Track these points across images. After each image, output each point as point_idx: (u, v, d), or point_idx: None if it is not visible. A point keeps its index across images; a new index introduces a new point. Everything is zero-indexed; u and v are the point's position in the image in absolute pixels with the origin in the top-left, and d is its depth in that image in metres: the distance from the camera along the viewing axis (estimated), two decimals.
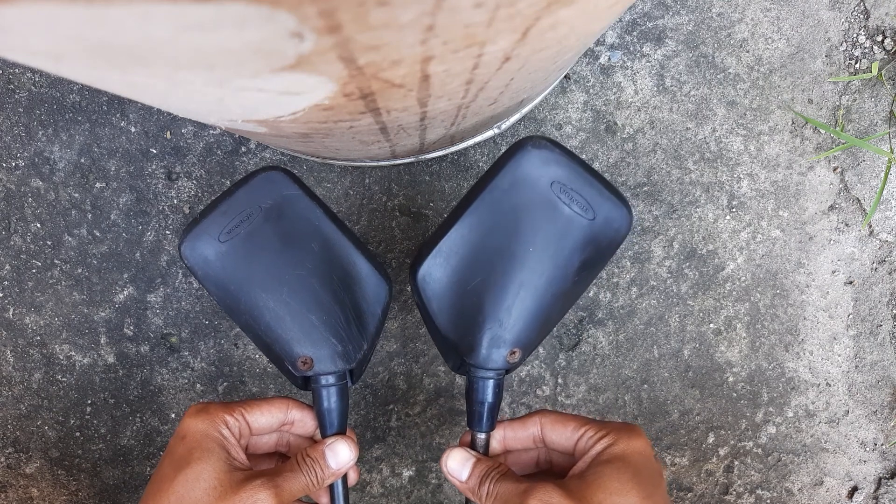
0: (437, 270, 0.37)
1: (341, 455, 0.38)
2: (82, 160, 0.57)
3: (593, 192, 0.38)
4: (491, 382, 0.38)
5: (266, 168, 0.39)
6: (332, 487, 0.40)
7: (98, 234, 0.58)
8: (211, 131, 0.57)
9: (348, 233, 0.40)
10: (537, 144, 0.38)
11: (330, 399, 0.38)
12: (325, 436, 0.39)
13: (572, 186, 0.38)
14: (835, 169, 0.60)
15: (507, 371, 0.39)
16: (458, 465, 0.38)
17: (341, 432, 0.39)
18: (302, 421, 0.40)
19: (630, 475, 0.33)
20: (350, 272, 0.39)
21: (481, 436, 0.39)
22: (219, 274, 0.38)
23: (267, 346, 0.39)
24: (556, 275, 0.38)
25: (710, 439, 0.63)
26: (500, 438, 0.40)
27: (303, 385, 0.40)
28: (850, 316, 0.62)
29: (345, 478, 0.40)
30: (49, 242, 0.58)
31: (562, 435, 0.38)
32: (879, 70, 0.59)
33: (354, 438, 0.40)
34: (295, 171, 0.58)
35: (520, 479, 0.35)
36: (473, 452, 0.39)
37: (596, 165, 0.59)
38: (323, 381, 0.38)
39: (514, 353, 0.38)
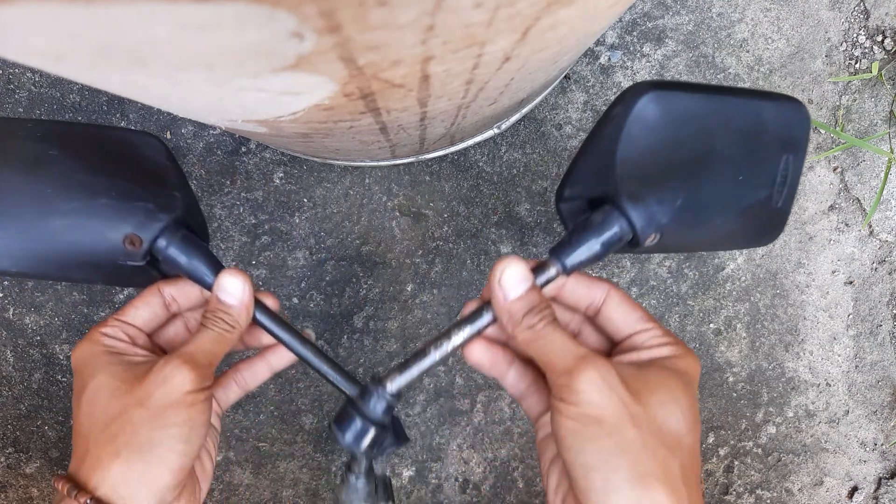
0: (657, 110, 0.32)
1: (231, 287, 0.34)
2: None
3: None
4: (618, 231, 0.32)
5: None
6: (261, 324, 0.36)
7: None
8: (211, 131, 0.57)
9: (76, 123, 0.37)
10: (803, 111, 0.36)
11: (183, 255, 0.34)
12: (209, 288, 0.35)
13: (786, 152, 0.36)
14: (835, 169, 0.60)
15: (630, 243, 0.34)
16: (515, 279, 0.32)
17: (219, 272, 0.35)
18: (180, 291, 0.37)
19: (687, 399, 0.30)
20: (109, 148, 0.35)
21: (554, 270, 0.33)
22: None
23: (92, 266, 0.35)
24: (727, 222, 0.35)
25: (710, 439, 0.63)
26: (559, 285, 0.35)
27: (159, 273, 0.37)
28: (850, 316, 0.62)
29: (264, 307, 0.36)
30: None
31: (627, 316, 0.34)
32: (879, 70, 0.59)
33: (237, 270, 0.36)
34: (295, 172, 0.58)
35: (574, 338, 0.31)
36: (533, 277, 0.33)
37: None
38: (163, 244, 0.34)
39: (654, 235, 0.33)
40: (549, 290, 0.34)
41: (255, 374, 0.39)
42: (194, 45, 0.18)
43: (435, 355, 0.33)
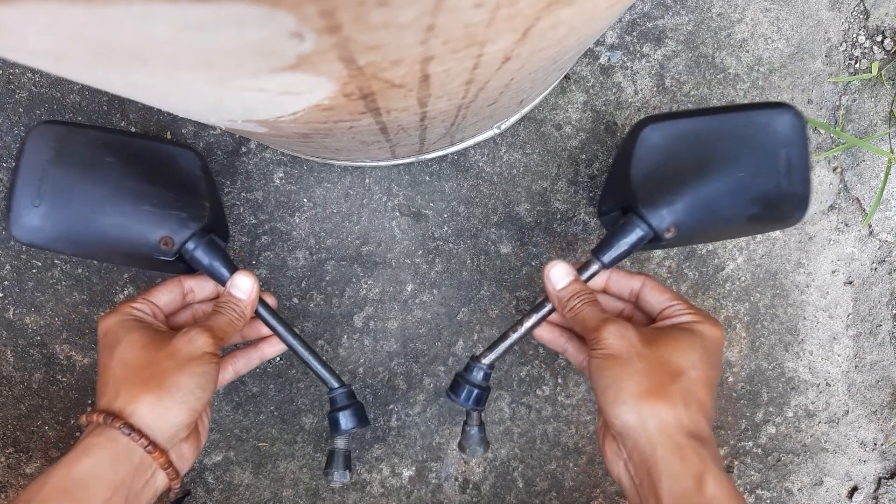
0: (658, 135, 0.41)
1: (242, 285, 0.43)
2: None
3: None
4: (640, 232, 0.42)
5: (31, 128, 0.43)
6: (262, 317, 0.46)
7: None
8: (211, 131, 0.57)
9: (130, 134, 0.44)
10: (791, 111, 0.44)
11: (206, 256, 0.43)
12: (223, 284, 0.44)
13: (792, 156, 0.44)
14: (835, 169, 0.60)
15: (654, 238, 0.42)
16: (560, 274, 0.43)
17: (234, 273, 0.44)
18: (199, 285, 0.46)
19: (700, 347, 0.39)
20: (154, 159, 0.43)
21: (595, 266, 0.43)
22: (55, 231, 0.42)
23: (131, 256, 0.43)
24: (740, 210, 0.43)
25: None
26: (605, 278, 0.46)
27: (186, 268, 0.45)
28: (850, 316, 0.62)
29: (265, 303, 0.46)
30: None
31: (657, 298, 0.44)
32: (879, 70, 0.59)
33: (248, 272, 0.45)
34: (295, 172, 0.58)
35: (604, 310, 0.42)
36: (574, 272, 0.44)
37: (596, 166, 0.59)
38: (191, 246, 0.42)
39: (670, 230, 0.42)
40: (597, 283, 0.46)
41: (248, 360, 0.48)
42: (194, 45, 0.18)
43: (514, 336, 0.45)
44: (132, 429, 0.37)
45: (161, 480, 0.40)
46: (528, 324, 0.45)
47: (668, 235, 0.42)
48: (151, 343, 0.40)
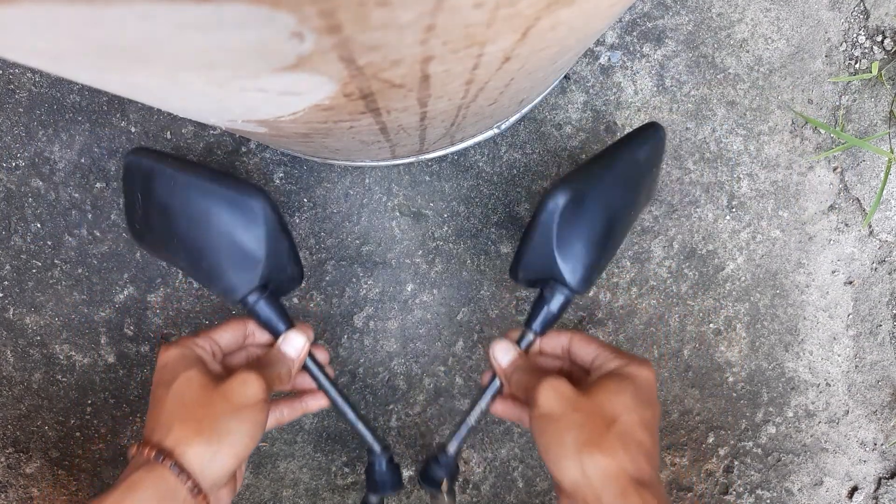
0: (568, 203, 0.43)
1: (294, 342, 0.45)
2: (82, 160, 0.57)
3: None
4: (564, 297, 0.45)
5: (127, 155, 0.45)
6: (311, 372, 0.46)
7: (98, 234, 0.58)
8: (211, 131, 0.57)
9: (205, 173, 0.43)
10: (658, 127, 0.47)
11: (263, 311, 0.44)
12: (277, 337, 0.46)
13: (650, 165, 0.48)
14: (835, 169, 0.60)
15: (575, 294, 0.46)
16: (503, 351, 0.45)
17: (289, 328, 0.46)
18: (260, 329, 0.47)
19: (631, 390, 0.40)
20: (220, 205, 0.43)
21: (530, 336, 0.46)
22: (152, 248, 0.46)
23: (206, 285, 0.46)
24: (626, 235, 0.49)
25: (710, 439, 0.63)
26: (537, 343, 0.48)
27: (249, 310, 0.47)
28: (850, 316, 0.62)
29: (315, 360, 0.46)
30: (49, 242, 0.58)
31: (585, 350, 0.45)
32: (879, 70, 0.59)
33: (305, 327, 0.46)
34: (295, 172, 0.58)
35: (542, 371, 0.43)
36: (516, 346, 0.46)
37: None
38: (250, 301, 0.44)
39: (590, 284, 0.45)
40: (534, 347, 0.47)
41: (293, 410, 0.48)
42: (194, 45, 0.18)
43: (472, 419, 0.47)
44: (181, 469, 0.37)
45: None
46: (482, 404, 0.47)
47: (589, 291, 0.44)
48: (208, 383, 0.40)
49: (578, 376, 0.46)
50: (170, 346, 0.43)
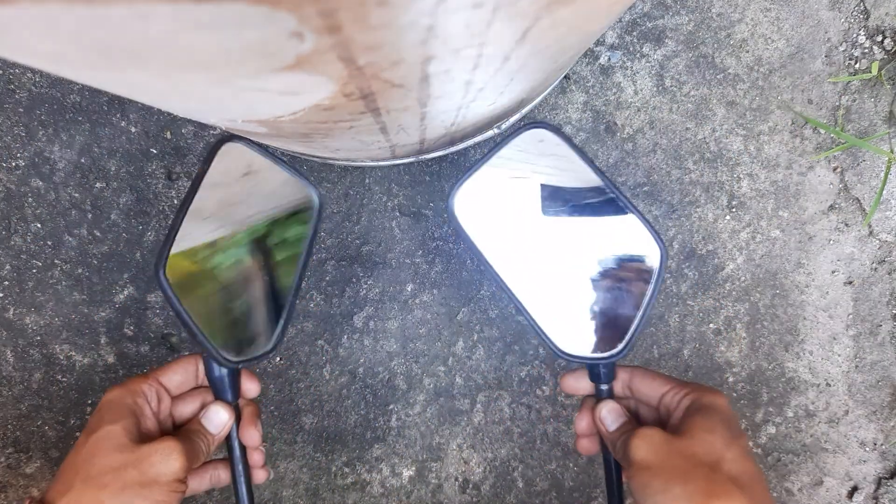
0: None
1: (215, 419, 0.42)
2: (82, 160, 0.57)
3: None
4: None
5: (218, 141, 0.42)
6: (230, 452, 0.43)
7: (98, 234, 0.58)
8: (211, 131, 0.57)
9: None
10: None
11: (216, 369, 0.42)
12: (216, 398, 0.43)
13: None
14: (835, 169, 0.60)
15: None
16: (612, 417, 0.44)
17: (224, 399, 0.42)
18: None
19: (719, 419, 0.39)
20: None
21: (605, 387, 0.45)
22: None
23: None
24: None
25: None
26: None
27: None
28: (850, 316, 0.62)
29: (244, 450, 0.43)
30: (49, 242, 0.58)
31: (650, 387, 0.44)
32: (879, 70, 0.59)
33: (248, 411, 0.43)
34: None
35: (634, 424, 0.42)
36: (625, 411, 0.44)
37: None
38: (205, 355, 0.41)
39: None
40: (587, 386, 0.46)
41: (226, 476, 0.45)
42: (194, 45, 0.18)
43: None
44: None
45: None
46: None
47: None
48: (127, 445, 0.37)
49: (646, 414, 0.45)
50: (115, 388, 0.41)
